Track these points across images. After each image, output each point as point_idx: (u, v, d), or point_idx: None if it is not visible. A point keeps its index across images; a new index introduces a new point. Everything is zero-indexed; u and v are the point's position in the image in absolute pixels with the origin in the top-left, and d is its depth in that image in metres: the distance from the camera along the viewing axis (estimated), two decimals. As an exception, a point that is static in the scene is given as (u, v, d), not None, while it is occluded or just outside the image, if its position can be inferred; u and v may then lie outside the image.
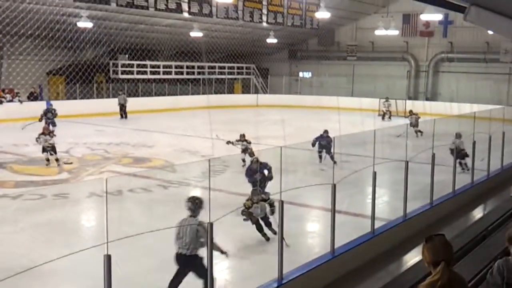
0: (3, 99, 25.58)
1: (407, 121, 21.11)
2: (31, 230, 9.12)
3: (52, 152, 14.56)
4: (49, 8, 23.13)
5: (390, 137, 19.90)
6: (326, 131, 15.26)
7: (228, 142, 14.68)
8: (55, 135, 18.40)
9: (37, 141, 14.72)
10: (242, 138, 14.84)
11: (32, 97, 27.61)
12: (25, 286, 6.13)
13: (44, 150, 14.57)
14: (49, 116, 20.81)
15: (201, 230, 6.25)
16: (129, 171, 13.77)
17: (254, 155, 13.71)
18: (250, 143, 14.67)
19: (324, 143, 14.62)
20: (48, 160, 14.43)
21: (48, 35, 26.35)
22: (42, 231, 9.03)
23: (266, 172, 10.37)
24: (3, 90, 26.72)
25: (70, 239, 8.67)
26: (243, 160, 14.26)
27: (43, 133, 14.82)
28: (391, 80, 33.07)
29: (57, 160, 14.58)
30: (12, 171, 13.84)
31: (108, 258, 4.90)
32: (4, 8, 21.94)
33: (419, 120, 21.58)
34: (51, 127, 19.00)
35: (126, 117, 27.01)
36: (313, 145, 14.71)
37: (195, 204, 6.54)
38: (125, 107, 27.19)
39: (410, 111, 23.14)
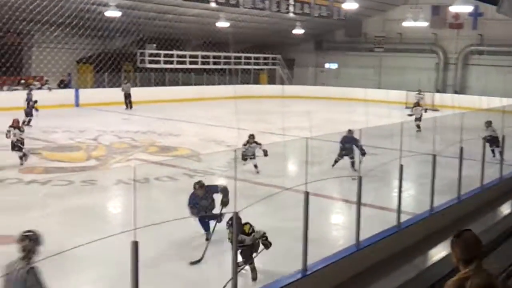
0: (32, 87, 26.02)
1: (436, 114, 20.81)
2: (60, 215, 9.29)
3: (18, 148, 12.98)
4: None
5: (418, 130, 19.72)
6: (349, 131, 13.28)
7: (245, 159, 12.87)
8: (30, 125, 18.50)
9: (6, 135, 13.08)
10: (251, 139, 13.15)
11: (63, 84, 28.03)
12: (53, 270, 6.21)
13: (13, 145, 12.98)
14: (31, 104, 19.91)
15: (30, 280, 4.65)
16: (155, 160, 13.90)
17: (254, 157, 12.68)
18: (260, 144, 13.06)
19: (348, 145, 13.02)
20: (22, 158, 12.92)
21: (78, 24, 26.67)
22: (70, 217, 9.19)
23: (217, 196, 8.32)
24: (33, 78, 27.21)
25: (97, 224, 8.81)
26: (255, 166, 12.98)
27: (12, 126, 13.16)
28: (419, 73, 32.67)
29: (22, 157, 12.98)
30: (41, 157, 14.11)
31: (135, 245, 4.95)
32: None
33: (424, 114, 20.97)
34: (24, 117, 18.98)
35: (131, 107, 26.41)
36: (342, 151, 13.26)
37: (31, 242, 4.82)
38: (130, 96, 26.74)
39: (416, 103, 22.25)
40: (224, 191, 8.13)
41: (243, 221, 6.53)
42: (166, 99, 29.34)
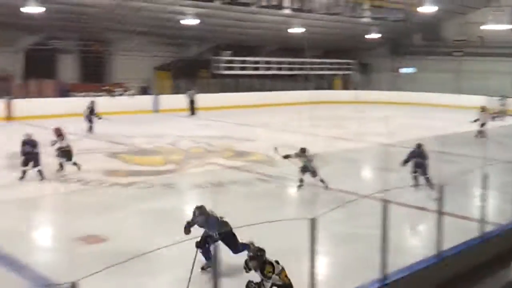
0: (115, 93, 27.20)
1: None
2: (140, 217, 9.61)
3: (63, 158, 12.77)
4: (157, 6, 24.23)
5: (500, 137, 18.92)
6: (419, 145, 11.88)
7: (286, 157, 11.75)
8: (93, 132, 18.83)
9: (52, 144, 12.83)
10: (302, 153, 11.72)
11: (145, 91, 29.09)
12: (131, 270, 6.43)
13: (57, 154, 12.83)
14: (94, 112, 20.07)
15: None
16: (231, 164, 14.13)
17: (316, 175, 11.44)
18: (311, 160, 11.69)
19: (419, 160, 11.63)
20: (61, 165, 12.75)
21: (156, 32, 27.62)
22: (150, 219, 9.48)
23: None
24: (115, 84, 28.41)
25: (175, 228, 9.02)
26: (301, 181, 11.68)
27: (55, 135, 13.01)
28: (502, 77, 31.28)
29: (75, 164, 12.86)
30: (123, 160, 14.68)
31: (214, 249, 5.04)
32: (114, 5, 23.24)
33: (490, 121, 19.72)
34: (87, 124, 19.54)
35: (194, 113, 26.67)
36: (404, 164, 11.82)
37: None
38: (194, 102, 27.05)
39: (483, 107, 20.29)
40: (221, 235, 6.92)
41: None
42: (241, 105, 29.78)
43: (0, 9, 21.75)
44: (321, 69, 35.41)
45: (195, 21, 24.50)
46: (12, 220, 9.22)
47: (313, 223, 5.48)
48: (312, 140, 18.51)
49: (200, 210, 7.06)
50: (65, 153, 12.82)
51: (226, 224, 7.03)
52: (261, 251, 5.94)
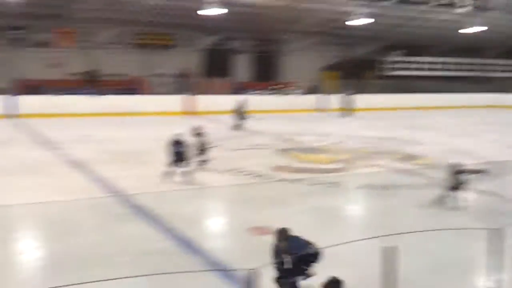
0: (288, 91, 28.09)
1: None
2: (307, 213, 9.74)
3: (201, 156, 12.85)
4: (326, 7, 24.45)
5: None
6: None
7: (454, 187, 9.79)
8: (243, 128, 19.03)
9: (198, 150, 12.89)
10: (456, 166, 9.87)
11: (312, 90, 29.68)
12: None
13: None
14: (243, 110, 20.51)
15: None
16: (399, 167, 13.76)
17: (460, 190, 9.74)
18: (479, 172, 9.99)
19: None
20: (200, 162, 12.76)
21: (323, 32, 27.92)
22: (317, 215, 9.58)
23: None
24: (284, 83, 29.33)
25: (340, 226, 9.07)
26: (446, 196, 9.92)
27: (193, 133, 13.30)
28: None
29: (204, 161, 12.90)
30: (291, 157, 15.08)
31: (388, 251, 4.90)
32: (286, 6, 23.93)
33: None
34: (235, 121, 19.80)
35: (351, 115, 26.36)
36: None
37: None
38: (351, 103, 26.79)
39: None
40: (315, 256, 5.83)
41: None
42: (410, 106, 28.97)
43: (181, 12, 23.73)
44: (503, 70, 32.89)
45: (365, 21, 24.27)
46: (189, 208, 9.94)
47: (498, 234, 5.06)
48: (489, 147, 17.35)
49: (284, 234, 5.95)
50: (203, 151, 12.90)
51: (310, 244, 5.94)
52: (338, 282, 4.97)
